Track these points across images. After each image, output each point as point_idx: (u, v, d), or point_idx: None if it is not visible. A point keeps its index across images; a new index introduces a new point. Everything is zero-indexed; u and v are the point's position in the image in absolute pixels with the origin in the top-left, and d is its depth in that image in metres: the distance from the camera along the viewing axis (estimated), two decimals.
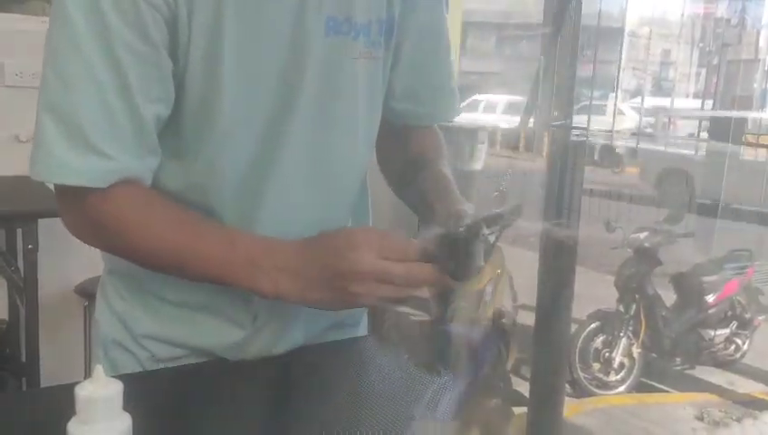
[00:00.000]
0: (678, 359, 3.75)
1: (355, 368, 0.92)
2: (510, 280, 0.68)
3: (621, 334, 3.50)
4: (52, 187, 0.76)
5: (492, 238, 0.67)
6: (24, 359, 2.21)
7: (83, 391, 0.54)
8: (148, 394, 0.68)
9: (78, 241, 0.79)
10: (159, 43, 0.73)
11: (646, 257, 3.66)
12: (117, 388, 0.56)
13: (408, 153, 0.98)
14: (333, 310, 0.78)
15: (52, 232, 2.16)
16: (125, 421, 0.56)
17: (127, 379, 0.58)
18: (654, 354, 3.67)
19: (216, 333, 0.86)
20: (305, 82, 0.80)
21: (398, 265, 0.71)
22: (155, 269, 0.80)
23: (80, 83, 0.71)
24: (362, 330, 1.02)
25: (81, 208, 0.76)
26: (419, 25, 0.91)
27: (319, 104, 0.82)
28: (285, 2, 0.77)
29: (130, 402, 0.57)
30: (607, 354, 3.46)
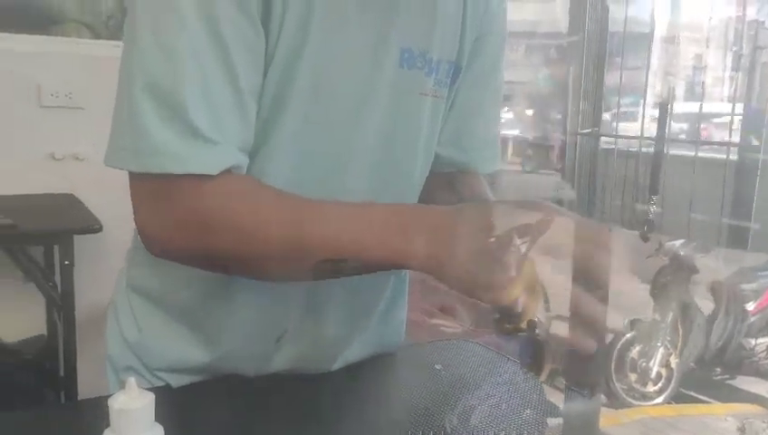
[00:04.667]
0: (718, 369, 3.66)
1: (383, 386, 0.91)
2: (543, 290, 0.68)
3: (658, 344, 3.44)
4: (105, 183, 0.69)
5: (523, 249, 0.65)
6: (61, 373, 2.24)
7: (116, 404, 0.55)
8: (174, 407, 0.66)
9: (115, 254, 0.74)
10: (262, 33, 0.68)
11: (682, 265, 3.59)
12: (149, 400, 0.56)
13: (453, 196, 0.94)
14: (475, 284, 0.63)
15: (87, 248, 2.20)
16: (157, 433, 0.56)
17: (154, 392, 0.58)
18: (692, 364, 3.60)
19: (238, 355, 0.83)
20: (372, 110, 0.78)
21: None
22: (264, 262, 0.69)
23: (186, 63, 0.63)
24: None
25: (180, 202, 0.66)
26: (477, 75, 0.90)
27: (382, 133, 0.80)
28: (367, 25, 0.75)
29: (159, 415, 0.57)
30: (643, 364, 3.40)
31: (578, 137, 6.29)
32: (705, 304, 3.71)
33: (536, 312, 0.67)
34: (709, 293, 3.74)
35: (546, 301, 0.67)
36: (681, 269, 3.59)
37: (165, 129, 0.63)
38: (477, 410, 0.76)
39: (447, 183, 0.94)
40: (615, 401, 3.33)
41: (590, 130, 6.31)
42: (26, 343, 2.45)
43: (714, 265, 3.77)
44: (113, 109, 0.67)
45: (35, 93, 2.51)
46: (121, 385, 0.86)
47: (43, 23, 2.63)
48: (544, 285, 0.67)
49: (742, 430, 3.12)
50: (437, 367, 0.93)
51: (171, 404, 0.59)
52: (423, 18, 0.80)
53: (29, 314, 2.48)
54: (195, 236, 0.67)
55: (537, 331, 0.67)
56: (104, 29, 2.71)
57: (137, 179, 0.67)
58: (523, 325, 0.64)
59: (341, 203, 0.70)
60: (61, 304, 2.14)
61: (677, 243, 3.62)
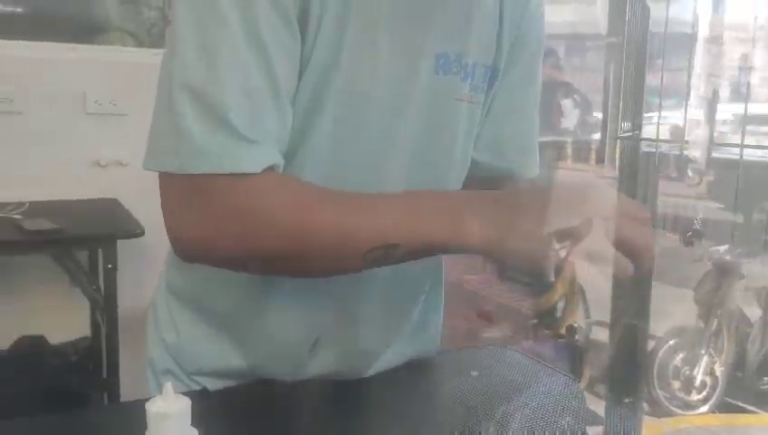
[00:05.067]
0: (766, 378, 3.56)
1: (420, 391, 0.90)
2: (583, 295, 0.67)
3: (702, 352, 3.36)
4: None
5: (563, 253, 0.65)
6: (104, 374, 2.29)
7: (153, 408, 0.56)
8: (210, 411, 0.67)
9: (157, 258, 0.75)
10: (299, 37, 0.69)
11: (727, 271, 3.50)
12: (186, 404, 0.57)
13: None
14: (525, 269, 0.65)
15: (130, 252, 2.25)
16: None
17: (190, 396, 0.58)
18: (738, 373, 3.50)
19: (273, 361, 0.84)
20: (407, 115, 0.77)
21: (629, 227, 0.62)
22: (310, 257, 0.68)
23: (227, 64, 0.64)
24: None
25: (221, 201, 0.66)
26: (515, 78, 0.89)
27: (417, 139, 0.79)
28: (403, 29, 0.74)
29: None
30: (687, 372, 3.32)
31: (618, 141, 6.18)
32: (753, 311, 3.61)
33: (576, 317, 0.66)
34: (756, 299, 3.64)
35: (586, 307, 0.67)
36: (726, 275, 3.50)
37: (206, 130, 0.63)
38: (515, 418, 0.76)
39: (487, 188, 0.92)
40: (657, 410, 3.26)
41: (630, 134, 6.20)
42: (71, 345, 2.50)
43: (761, 271, 3.66)
44: (152, 113, 0.68)
45: (81, 101, 2.56)
46: (160, 389, 0.88)
47: (88, 32, 2.70)
48: (584, 290, 0.67)
49: None
50: (474, 374, 0.92)
51: (208, 408, 0.60)
52: (459, 22, 0.79)
53: (74, 317, 2.53)
54: (238, 236, 0.66)
55: (576, 336, 0.67)
56: (147, 37, 2.77)
57: (173, 182, 0.66)
58: (563, 331, 0.64)
59: (385, 193, 0.70)
60: (104, 307, 2.18)
61: (722, 248, 3.53)
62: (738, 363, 3.48)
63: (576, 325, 0.66)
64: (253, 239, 0.66)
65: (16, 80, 2.46)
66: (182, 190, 0.66)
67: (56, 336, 2.46)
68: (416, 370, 0.94)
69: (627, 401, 0.64)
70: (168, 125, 0.65)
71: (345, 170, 0.76)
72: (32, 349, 2.38)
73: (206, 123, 0.63)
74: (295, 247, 0.66)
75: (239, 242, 0.67)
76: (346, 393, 0.84)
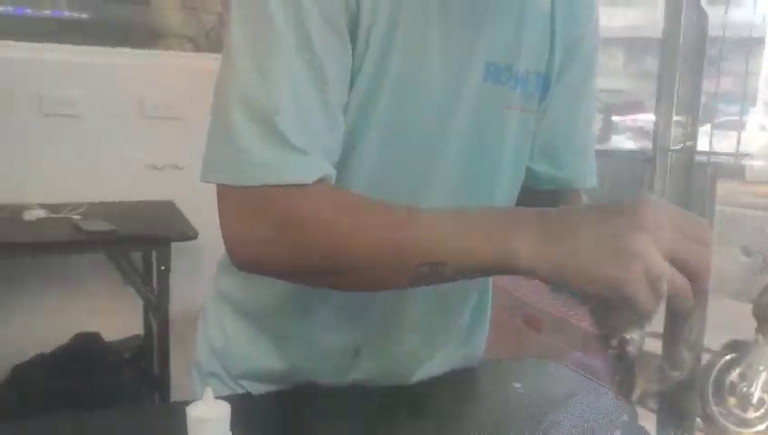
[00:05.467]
0: None
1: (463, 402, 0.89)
2: None
3: (761, 368, 3.22)
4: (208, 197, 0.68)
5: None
6: (156, 372, 2.34)
7: (194, 412, 0.56)
8: (253, 415, 0.68)
9: (209, 260, 0.74)
10: (349, 47, 0.69)
11: None
12: (225, 410, 0.57)
13: None
14: (590, 282, 0.57)
15: (184, 254, 2.29)
16: None
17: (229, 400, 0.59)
18: None
19: (316, 367, 0.84)
20: (455, 124, 0.77)
21: (691, 243, 0.57)
22: (360, 269, 0.67)
23: (280, 77, 0.65)
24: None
25: (273, 211, 0.66)
26: (569, 85, 0.87)
27: (465, 152, 0.78)
28: (452, 38, 0.74)
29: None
30: (744, 389, 3.18)
31: (669, 154, 5.95)
32: None
33: (629, 328, 0.63)
34: None
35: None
36: None
37: (260, 142, 0.64)
38: (554, 434, 0.74)
39: (549, 201, 0.90)
40: (712, 427, 3.14)
41: (681, 146, 5.99)
42: (125, 343, 2.56)
43: None
44: (209, 124, 0.69)
45: (138, 105, 2.63)
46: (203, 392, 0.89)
47: (149, 37, 2.77)
48: None
49: None
50: (517, 385, 0.91)
51: (250, 411, 0.62)
52: (509, 30, 0.78)
53: (128, 315, 2.59)
54: (292, 246, 0.66)
55: (629, 348, 0.64)
56: (205, 41, 2.82)
57: (230, 194, 0.67)
58: (615, 343, 0.62)
59: (435, 208, 0.68)
60: (156, 307, 2.23)
61: None
62: None
63: (629, 337, 0.64)
64: (305, 249, 0.66)
65: (78, 84, 2.54)
66: (238, 202, 0.67)
67: (111, 334, 2.53)
68: (459, 379, 0.93)
69: (677, 421, 0.61)
70: (223, 137, 0.66)
71: (391, 178, 0.76)
72: (87, 345, 2.44)
73: (260, 136, 0.64)
74: (344, 259, 0.66)
75: (293, 252, 0.67)
76: (386, 401, 0.83)
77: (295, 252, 0.67)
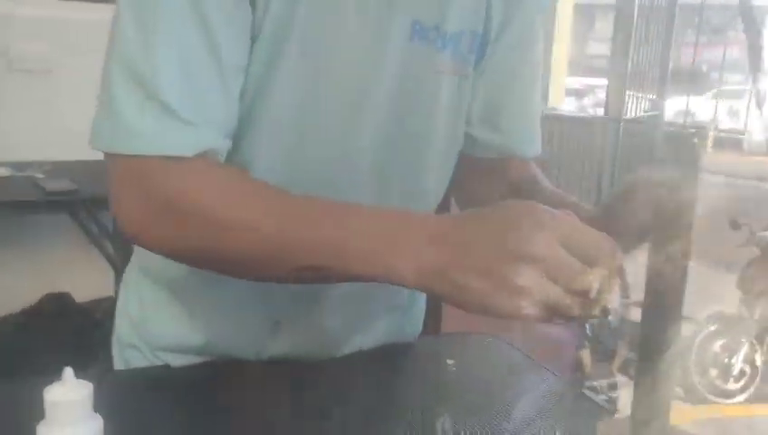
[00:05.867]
0: None
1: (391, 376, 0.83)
2: (623, 275, 0.61)
3: (744, 340, 3.24)
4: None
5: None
6: None
7: (50, 395, 0.52)
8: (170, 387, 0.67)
9: None
10: (247, 5, 0.64)
11: None
12: (87, 391, 0.53)
13: (499, 184, 0.84)
14: (476, 310, 0.54)
15: None
16: (95, 424, 0.54)
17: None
18: None
19: (234, 339, 0.80)
20: (377, 90, 0.71)
21: (580, 265, 0.52)
22: (230, 263, 0.63)
23: (163, 41, 0.61)
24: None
25: (151, 185, 0.62)
26: (509, 45, 0.80)
27: (390, 117, 0.73)
28: None
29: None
30: (726, 360, 3.21)
31: (621, 124, 5.82)
32: None
33: (612, 298, 0.61)
34: None
35: (625, 287, 0.61)
36: None
37: (137, 109, 0.60)
38: (478, 415, 0.68)
39: (491, 170, 0.85)
40: (693, 397, 3.17)
41: (638, 115, 5.86)
42: (96, 304, 2.52)
43: None
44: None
45: None
46: (124, 362, 0.83)
47: None
48: (624, 269, 0.61)
49: None
50: (449, 362, 0.85)
51: (167, 383, 0.62)
52: None
53: (100, 277, 2.54)
54: (166, 225, 0.62)
55: (610, 317, 0.61)
56: None
57: (113, 162, 0.63)
58: (596, 312, 0.57)
59: (328, 203, 0.61)
60: (121, 269, 2.17)
61: None
62: None
63: (610, 306, 0.61)
64: (180, 231, 0.62)
65: (48, 40, 2.46)
66: (119, 171, 0.63)
67: (83, 295, 2.47)
68: (388, 354, 0.86)
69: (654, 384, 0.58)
70: (106, 103, 0.62)
71: (310, 146, 0.70)
72: (57, 305, 2.40)
73: (138, 102, 0.60)
74: (216, 245, 0.62)
75: (168, 232, 0.63)
76: (305, 376, 0.78)
77: (171, 232, 0.63)
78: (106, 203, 0.74)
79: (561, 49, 9.19)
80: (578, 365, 0.55)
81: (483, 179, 0.86)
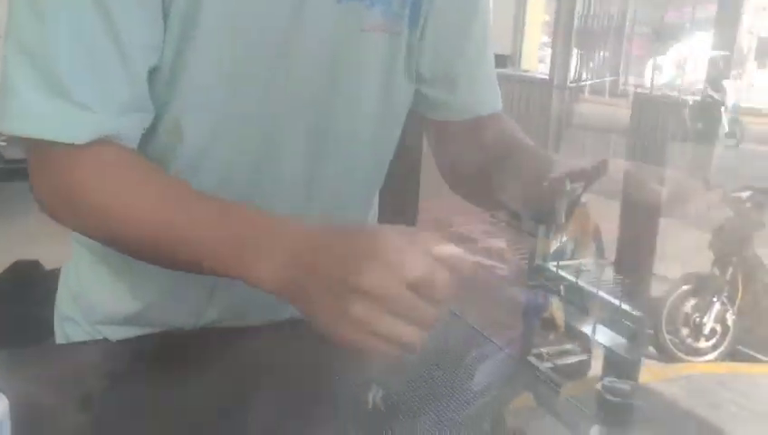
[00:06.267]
0: None
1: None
2: (598, 236, 0.61)
3: (715, 299, 3.30)
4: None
5: (575, 194, 0.63)
6: None
7: None
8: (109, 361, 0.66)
9: None
10: None
11: (747, 218, 3.41)
12: None
13: (482, 146, 0.81)
14: (320, 331, 0.56)
15: None
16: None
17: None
18: (751, 322, 3.45)
19: (170, 306, 0.78)
20: (301, 52, 0.68)
21: (414, 300, 0.53)
22: (128, 252, 0.66)
23: (58, 20, 0.60)
24: None
25: (50, 170, 0.63)
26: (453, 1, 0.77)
27: (318, 78, 0.70)
28: None
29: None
30: (697, 319, 3.27)
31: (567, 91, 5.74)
32: None
33: (586, 259, 0.65)
34: None
35: (601, 248, 0.66)
36: (745, 222, 3.41)
37: (33, 91, 0.60)
38: (412, 386, 0.67)
39: (465, 133, 0.82)
40: (664, 355, 3.23)
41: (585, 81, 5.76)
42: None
43: None
44: None
45: None
46: (65, 336, 0.81)
47: None
48: (599, 230, 0.64)
49: None
50: None
51: (107, 357, 0.61)
52: None
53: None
54: (67, 212, 0.65)
55: (584, 278, 0.64)
56: None
57: (22, 142, 0.63)
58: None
59: (211, 201, 0.62)
60: None
61: (744, 194, 3.42)
62: (752, 312, 3.42)
63: (584, 268, 0.61)
64: (74, 216, 0.64)
65: None
66: (28, 152, 0.64)
67: (52, 262, 2.43)
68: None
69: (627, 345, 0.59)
70: (3, 83, 0.61)
71: (234, 106, 0.68)
72: (26, 273, 2.35)
73: (34, 85, 0.60)
74: (108, 236, 0.65)
75: (67, 216, 0.65)
76: (239, 343, 0.75)
77: (72, 220, 0.66)
78: None
79: (536, 11, 9.07)
80: (549, 325, 0.55)
81: (459, 144, 0.83)
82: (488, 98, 0.84)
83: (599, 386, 0.57)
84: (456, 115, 0.83)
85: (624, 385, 0.56)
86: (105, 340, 0.79)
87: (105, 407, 0.62)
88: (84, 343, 0.78)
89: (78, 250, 0.82)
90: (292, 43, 0.68)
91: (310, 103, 0.71)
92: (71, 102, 0.60)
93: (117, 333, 0.79)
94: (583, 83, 5.85)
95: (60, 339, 0.83)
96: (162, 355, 0.73)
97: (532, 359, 0.64)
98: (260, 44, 0.67)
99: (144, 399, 0.64)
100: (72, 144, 0.60)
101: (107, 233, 0.64)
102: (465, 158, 0.82)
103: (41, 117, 0.60)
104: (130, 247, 0.65)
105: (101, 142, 0.61)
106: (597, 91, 6.71)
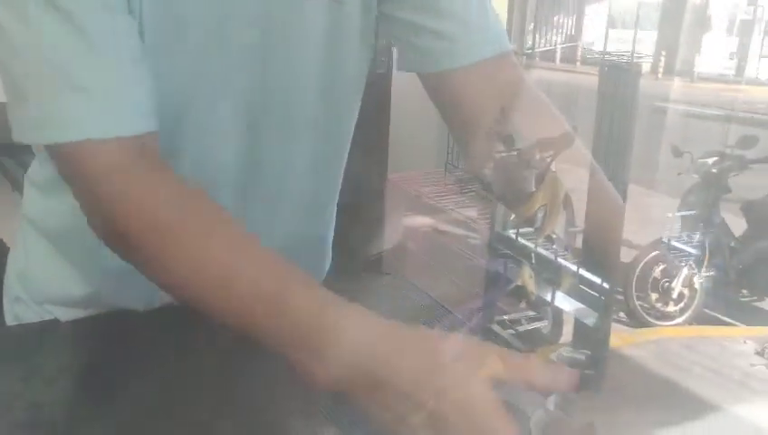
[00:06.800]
0: (745, 290, 3.57)
1: None
2: (569, 205, 0.59)
3: (682, 263, 3.34)
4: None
5: (545, 163, 0.61)
6: None
7: None
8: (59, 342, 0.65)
9: None
10: None
11: (713, 184, 3.44)
12: None
13: (496, 91, 0.72)
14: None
15: None
16: None
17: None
18: (718, 285, 3.50)
19: (120, 286, 0.75)
20: (238, 21, 0.65)
21: None
22: (177, 296, 0.63)
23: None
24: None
25: (93, 200, 0.61)
26: None
27: (259, 48, 0.67)
28: None
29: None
30: (666, 284, 3.31)
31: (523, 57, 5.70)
32: (739, 223, 3.57)
33: (555, 227, 0.63)
34: (741, 213, 3.60)
35: (572, 216, 0.66)
36: (712, 187, 3.44)
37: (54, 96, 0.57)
38: None
39: (478, 77, 0.73)
40: (634, 321, 3.27)
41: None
42: None
43: (748, 184, 3.60)
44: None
45: None
46: (13, 317, 0.79)
47: None
48: (570, 199, 0.63)
49: (761, 353, 3.05)
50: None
51: (55, 337, 0.60)
52: None
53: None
54: (119, 243, 0.62)
55: (554, 246, 0.64)
56: None
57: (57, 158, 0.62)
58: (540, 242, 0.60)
59: (270, 265, 0.59)
60: None
61: (710, 160, 3.45)
62: (718, 276, 3.47)
63: (555, 236, 0.59)
64: (127, 252, 0.62)
65: None
66: (64, 169, 0.62)
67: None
68: None
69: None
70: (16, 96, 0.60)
71: (172, 78, 0.64)
72: None
73: (54, 90, 0.57)
74: (158, 278, 0.62)
75: (116, 245, 0.62)
76: (194, 323, 0.72)
77: (123, 252, 0.62)
78: (29, 147, 0.71)
79: None
80: (521, 293, 0.54)
81: (470, 94, 0.73)
82: (493, 37, 0.73)
83: (553, 356, 0.56)
84: (457, 62, 0.72)
85: (579, 355, 0.56)
86: (56, 320, 0.77)
87: (54, 390, 0.61)
88: (34, 324, 0.76)
89: (25, 229, 0.79)
90: (226, 6, 0.65)
91: (245, 76, 0.68)
92: (96, 100, 0.57)
93: (67, 315, 0.77)
94: (543, 50, 5.83)
95: (10, 320, 0.80)
96: (113, 336, 0.72)
97: (495, 326, 0.63)
98: (194, 13, 0.63)
99: (96, 381, 0.63)
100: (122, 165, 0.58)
101: (155, 274, 0.62)
102: (481, 106, 0.71)
103: (78, 119, 0.57)
104: (176, 293, 0.62)
105: (143, 148, 0.59)
106: (565, 58, 6.69)
